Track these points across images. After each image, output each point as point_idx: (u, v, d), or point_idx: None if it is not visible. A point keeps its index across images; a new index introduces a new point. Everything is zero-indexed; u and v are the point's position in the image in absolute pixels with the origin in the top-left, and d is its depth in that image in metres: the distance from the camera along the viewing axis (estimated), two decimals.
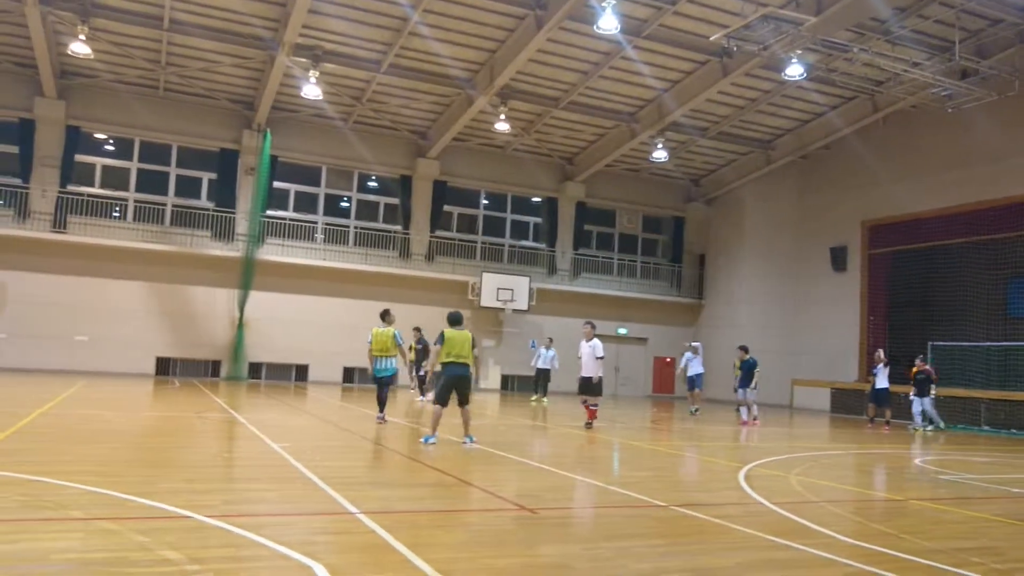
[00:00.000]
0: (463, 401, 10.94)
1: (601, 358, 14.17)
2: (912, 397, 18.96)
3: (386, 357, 12.87)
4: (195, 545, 4.78)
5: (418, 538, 5.22)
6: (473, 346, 10.92)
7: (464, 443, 10.54)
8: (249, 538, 4.95)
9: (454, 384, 10.76)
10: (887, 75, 22.14)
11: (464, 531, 5.80)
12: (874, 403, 19.82)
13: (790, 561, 5.21)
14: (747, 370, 18.01)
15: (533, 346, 26.86)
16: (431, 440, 10.39)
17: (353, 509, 6.01)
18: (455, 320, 11.06)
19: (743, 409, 18.03)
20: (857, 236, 27.70)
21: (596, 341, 14.25)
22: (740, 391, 18.05)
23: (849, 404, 25.83)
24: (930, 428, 19.25)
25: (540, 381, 23.69)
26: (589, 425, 14.29)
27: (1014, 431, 19.79)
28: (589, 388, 14.44)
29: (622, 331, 31.25)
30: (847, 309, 27.59)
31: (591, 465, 10.37)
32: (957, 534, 6.49)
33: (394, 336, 12.83)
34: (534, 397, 23.55)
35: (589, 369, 14.27)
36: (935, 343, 22.51)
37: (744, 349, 18.55)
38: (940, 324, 23.75)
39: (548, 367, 23.51)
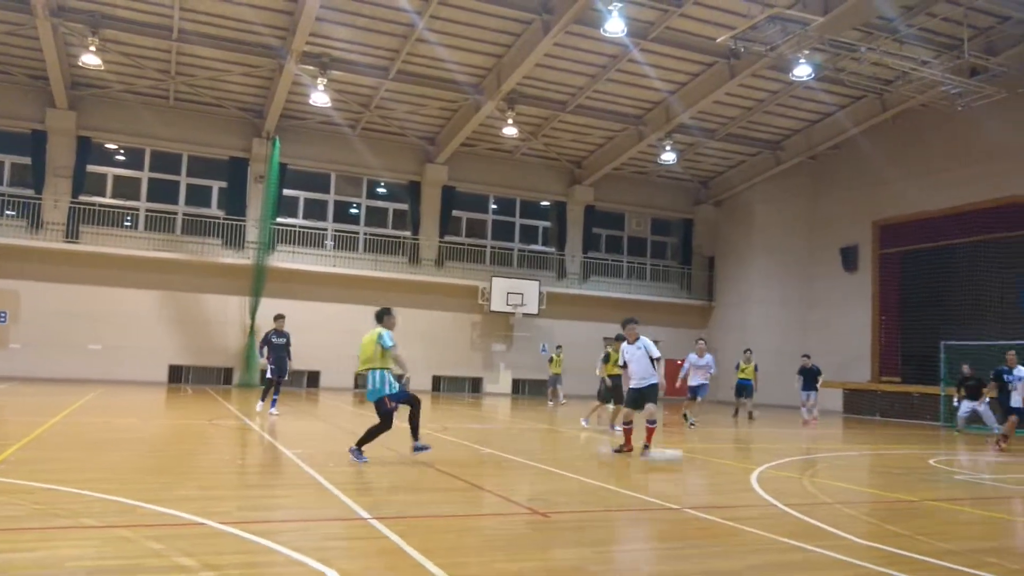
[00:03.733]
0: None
1: (658, 358, 10.93)
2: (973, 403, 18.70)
3: (374, 370, 9.06)
4: (209, 552, 4.80)
5: (431, 543, 5.23)
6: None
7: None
8: (263, 544, 4.97)
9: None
10: (895, 74, 22.08)
11: (477, 535, 5.81)
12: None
13: (804, 563, 5.19)
14: (811, 376, 19.82)
15: (544, 350, 26.84)
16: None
17: (366, 515, 6.02)
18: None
19: (804, 410, 19.78)
20: (868, 236, 27.62)
21: (644, 340, 11.12)
22: (804, 394, 19.79)
23: (862, 405, 25.73)
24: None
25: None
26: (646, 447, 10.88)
27: None
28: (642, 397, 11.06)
29: None
30: (859, 309, 27.49)
31: (603, 468, 10.35)
32: (972, 535, 6.45)
33: (378, 339, 9.09)
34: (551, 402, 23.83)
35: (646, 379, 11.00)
36: (948, 342, 22.36)
37: (807, 357, 20.37)
38: (953, 323, 23.60)
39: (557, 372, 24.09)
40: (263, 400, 15.33)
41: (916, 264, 26.22)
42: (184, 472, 8.22)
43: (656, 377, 10.78)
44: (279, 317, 15.39)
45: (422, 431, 9.57)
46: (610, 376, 14.23)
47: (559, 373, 24.23)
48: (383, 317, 9.66)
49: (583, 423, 15.67)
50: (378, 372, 9.07)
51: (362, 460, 8.89)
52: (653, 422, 10.79)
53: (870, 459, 12.91)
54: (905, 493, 8.52)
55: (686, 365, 17.59)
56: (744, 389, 19.82)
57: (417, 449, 9.40)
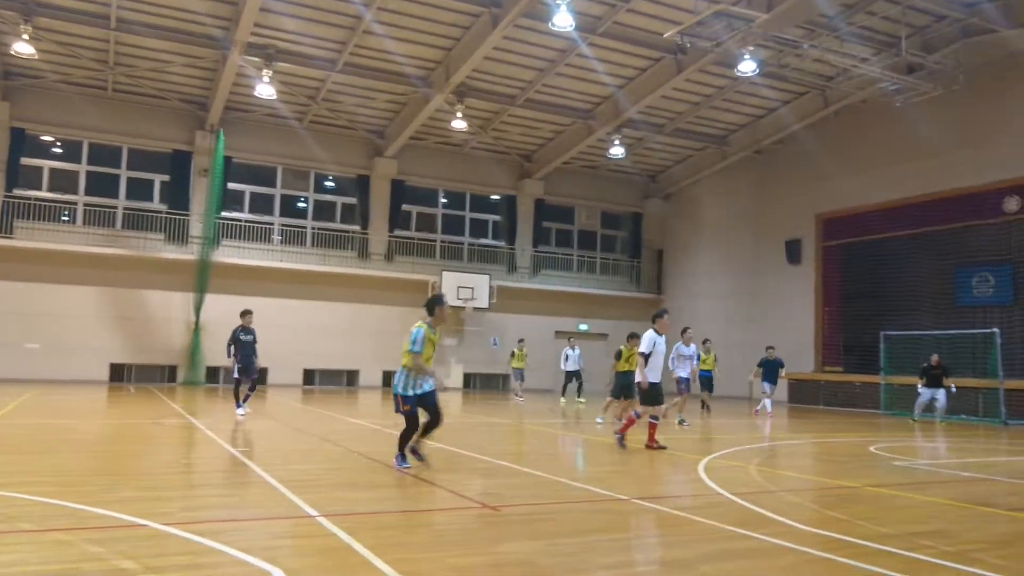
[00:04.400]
0: None
1: (643, 353, 10.90)
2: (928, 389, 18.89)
3: (401, 367, 8.34)
4: (151, 553, 4.70)
5: (380, 540, 5.19)
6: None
7: None
8: (207, 545, 4.88)
9: None
10: (837, 71, 22.62)
11: (427, 531, 5.79)
12: None
13: (749, 551, 5.29)
14: (773, 368, 19.33)
15: (495, 344, 26.88)
16: None
17: (313, 512, 5.95)
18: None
19: (767, 402, 19.41)
20: (811, 229, 28.26)
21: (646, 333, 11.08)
22: (765, 385, 19.38)
23: (806, 394, 26.35)
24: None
25: (570, 383, 22.59)
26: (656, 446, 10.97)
27: (963, 416, 20.33)
28: (642, 395, 11.08)
29: (583, 327, 31.42)
30: (803, 301, 28.13)
31: (553, 461, 10.41)
32: (910, 519, 6.65)
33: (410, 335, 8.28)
34: (580, 399, 22.20)
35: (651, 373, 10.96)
36: (887, 332, 23.05)
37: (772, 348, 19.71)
38: (892, 314, 24.34)
39: (577, 367, 22.22)
40: (240, 404, 14.35)
41: (857, 256, 26.94)
42: (126, 473, 8.02)
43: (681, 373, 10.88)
44: (247, 313, 14.57)
45: (428, 446, 8.81)
46: (619, 373, 14.18)
47: (521, 368, 24.06)
48: (434, 307, 8.48)
49: (598, 421, 15.55)
50: (401, 370, 8.27)
51: (404, 466, 8.17)
52: (656, 419, 11.10)
53: (814, 447, 13.23)
54: (846, 480, 8.75)
55: (672, 355, 15.91)
56: (706, 381, 18.87)
57: (418, 456, 8.49)
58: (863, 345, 25.44)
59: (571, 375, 22.38)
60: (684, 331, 15.98)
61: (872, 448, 12.71)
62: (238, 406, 14.34)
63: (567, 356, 22.43)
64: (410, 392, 8.20)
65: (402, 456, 8.29)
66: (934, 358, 19.06)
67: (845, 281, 27.50)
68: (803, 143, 27.96)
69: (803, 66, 21.96)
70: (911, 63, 21.85)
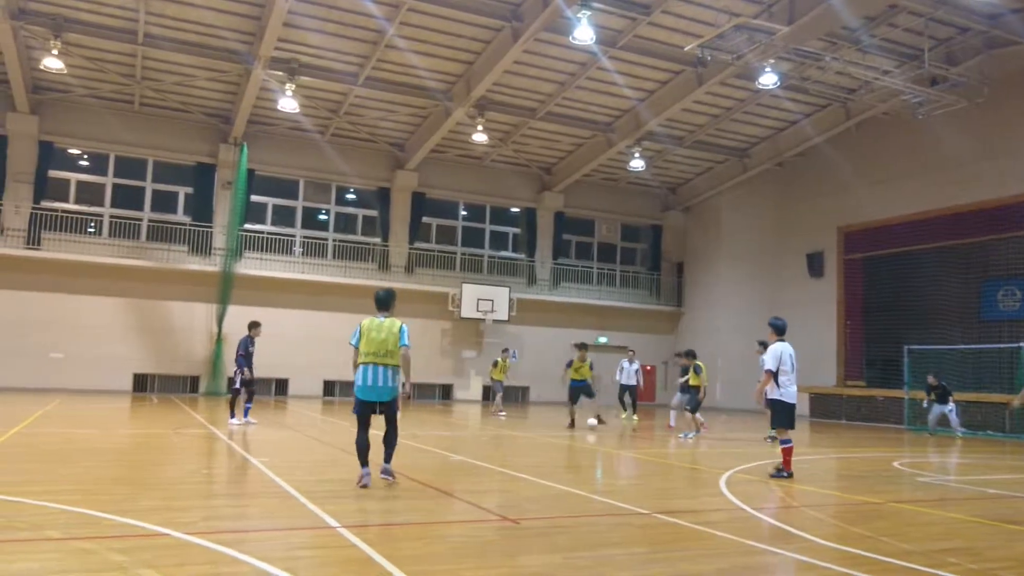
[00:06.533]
0: None
1: (768, 371, 9.74)
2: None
3: (391, 367, 8.02)
4: (174, 563, 4.74)
5: (399, 551, 5.20)
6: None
7: None
8: (229, 554, 4.92)
9: None
10: (858, 83, 22.49)
11: (445, 543, 5.79)
12: None
13: (770, 566, 5.25)
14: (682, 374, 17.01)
15: (515, 357, 26.80)
16: None
17: (334, 523, 5.98)
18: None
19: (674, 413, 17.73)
20: (833, 242, 28.06)
21: (772, 347, 9.95)
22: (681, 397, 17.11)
23: (827, 409, 26.08)
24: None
25: (624, 397, 20.96)
26: (777, 472, 9.76)
27: (989, 432, 20.04)
28: (772, 417, 10.32)
29: (602, 340, 31.34)
30: (824, 314, 27.89)
31: (573, 474, 10.38)
32: (934, 535, 6.56)
33: (400, 333, 8.14)
34: (624, 415, 20.83)
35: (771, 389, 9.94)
36: (911, 347, 22.78)
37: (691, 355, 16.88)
38: (915, 328, 24.06)
39: (633, 382, 20.64)
40: (245, 414, 14.62)
41: (880, 270, 26.69)
42: (149, 483, 8.09)
43: (774, 392, 9.71)
44: (257, 324, 14.83)
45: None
46: (496, 381, 15.08)
47: (501, 380, 22.54)
48: (391, 301, 8.35)
49: (683, 437, 15.44)
50: (392, 369, 7.95)
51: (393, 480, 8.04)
52: (786, 442, 9.74)
53: (835, 462, 13.09)
54: (869, 495, 8.65)
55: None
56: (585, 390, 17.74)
57: (390, 474, 8.13)
58: (886, 359, 25.15)
59: (625, 389, 20.81)
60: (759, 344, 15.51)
61: (895, 463, 12.56)
62: (245, 415, 14.54)
63: (623, 368, 20.83)
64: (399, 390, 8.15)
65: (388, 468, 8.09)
66: (930, 378, 19.15)
67: (868, 294, 27.25)
68: (825, 155, 27.81)
69: (825, 79, 21.87)
70: (934, 75, 21.69)
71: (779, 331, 9.95)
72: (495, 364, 22.89)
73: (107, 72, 23.48)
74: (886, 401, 24.05)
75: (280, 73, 22.60)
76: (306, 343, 26.27)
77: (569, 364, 17.31)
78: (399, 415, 8.18)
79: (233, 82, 24.28)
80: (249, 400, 14.79)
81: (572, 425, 17.23)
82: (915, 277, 25.13)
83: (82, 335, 24.27)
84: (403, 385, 8.14)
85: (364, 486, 7.65)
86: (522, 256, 31.35)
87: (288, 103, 23.28)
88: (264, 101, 24.71)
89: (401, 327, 8.13)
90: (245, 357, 14.52)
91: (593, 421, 17.31)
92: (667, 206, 33.71)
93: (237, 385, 14.61)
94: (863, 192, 26.73)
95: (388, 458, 8.09)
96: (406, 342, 8.05)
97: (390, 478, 7.98)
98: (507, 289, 29.24)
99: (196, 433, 13.35)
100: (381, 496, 7.57)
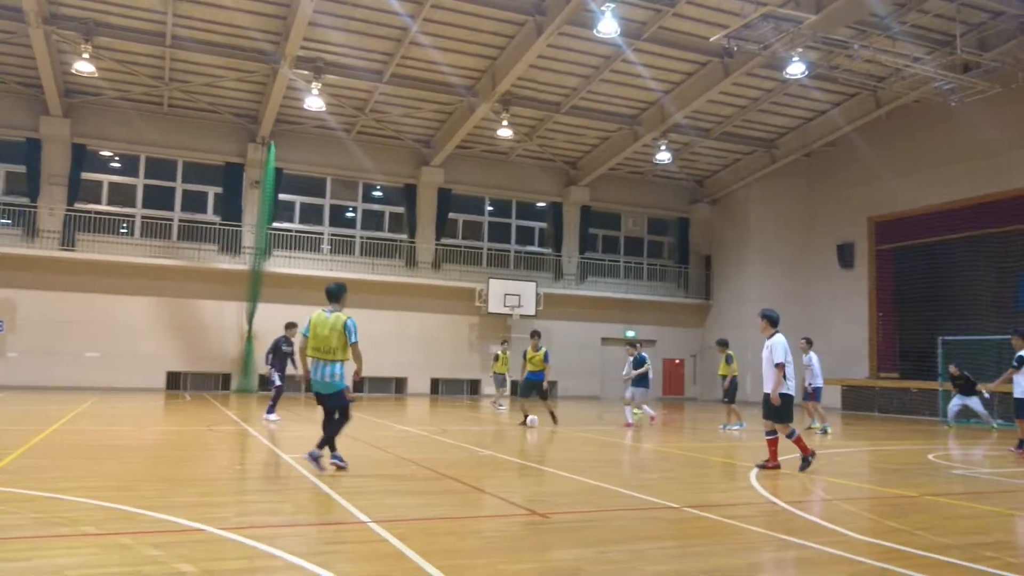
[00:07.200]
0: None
1: (779, 364, 9.46)
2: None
3: (335, 363, 8.39)
4: (209, 557, 4.80)
5: (430, 546, 5.23)
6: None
7: None
8: (262, 549, 4.97)
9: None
10: (889, 71, 22.14)
11: (476, 537, 5.81)
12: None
13: (803, 560, 5.20)
14: (635, 365, 16.52)
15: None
16: None
17: (364, 518, 6.02)
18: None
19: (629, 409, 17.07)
20: (864, 232, 27.69)
21: (775, 339, 9.69)
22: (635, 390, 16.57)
23: (860, 401, 25.78)
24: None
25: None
26: (770, 466, 9.75)
27: None
28: (768, 410, 9.75)
29: (630, 334, 31.21)
30: (856, 306, 27.55)
31: (602, 468, 10.35)
32: (971, 529, 6.46)
33: (344, 330, 8.37)
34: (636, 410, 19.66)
35: (766, 383, 9.70)
36: (945, 338, 22.42)
37: (633, 344, 16.69)
38: (950, 318, 23.68)
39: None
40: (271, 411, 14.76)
41: (912, 260, 26.29)
42: (183, 478, 8.21)
43: (776, 386, 9.46)
44: (293, 325, 14.74)
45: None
46: (498, 374, 14.34)
47: (504, 373, 21.78)
48: (341, 295, 8.51)
49: (724, 428, 15.50)
50: (338, 364, 8.29)
51: (342, 463, 8.40)
52: (772, 434, 9.72)
53: (869, 455, 12.93)
54: (904, 488, 8.53)
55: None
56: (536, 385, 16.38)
57: (316, 459, 8.28)
58: (920, 350, 24.79)
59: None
60: (801, 340, 16.10)
61: (930, 456, 12.38)
62: (270, 412, 14.76)
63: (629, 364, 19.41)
64: (345, 383, 8.46)
65: (317, 454, 8.31)
66: (952, 369, 18.98)
67: (899, 285, 26.85)
68: (854, 145, 27.42)
69: (854, 67, 21.55)
70: (966, 61, 21.28)
71: (774, 322, 9.83)
72: (496, 358, 22.15)
73: (137, 75, 23.80)
74: (920, 393, 23.71)
75: (306, 72, 22.76)
76: None
77: (496, 358, 15.62)
78: (350, 408, 8.56)
79: (260, 82, 24.49)
80: (275, 399, 14.96)
81: (525, 422, 15.59)
82: (949, 267, 24.72)
83: (116, 334, 24.68)
84: (355, 373, 8.47)
85: (322, 468, 8.18)
86: (548, 251, 31.31)
87: (314, 102, 23.43)
88: (290, 100, 24.90)
89: (346, 323, 8.27)
90: (275, 356, 14.67)
91: (534, 419, 15.62)
92: (694, 199, 33.46)
93: (278, 383, 14.78)
94: (894, 182, 26.33)
95: (320, 443, 8.34)
96: (355, 339, 8.28)
97: (313, 464, 8.21)
98: (534, 284, 29.24)
99: (229, 430, 13.51)
100: (411, 491, 7.62)
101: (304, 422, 14.92)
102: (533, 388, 16.07)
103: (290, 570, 4.58)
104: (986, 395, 18.31)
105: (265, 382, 25.84)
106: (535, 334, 16.50)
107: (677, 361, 32.71)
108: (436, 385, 28.81)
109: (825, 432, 15.76)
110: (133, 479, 8.04)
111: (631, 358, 17.37)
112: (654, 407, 20.70)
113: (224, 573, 4.48)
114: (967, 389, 18.91)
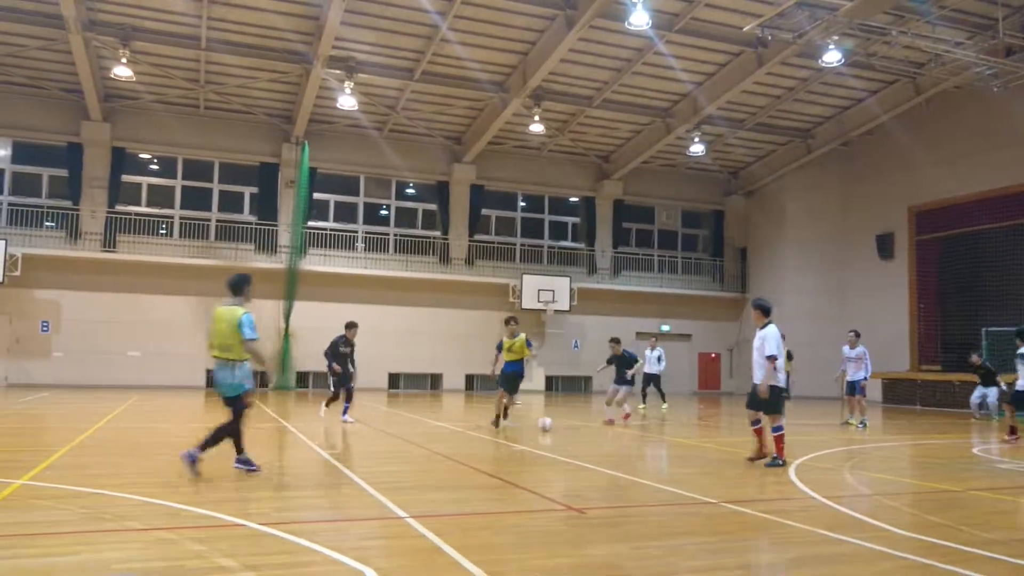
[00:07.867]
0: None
1: (771, 356, 9.20)
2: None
3: (236, 362, 8.06)
4: (250, 552, 4.88)
5: (467, 541, 5.25)
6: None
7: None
8: (302, 544, 5.04)
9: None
10: (928, 57, 21.69)
11: (513, 533, 5.82)
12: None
13: (844, 556, 5.13)
14: (626, 364, 15.68)
15: (576, 347, 26.76)
16: None
17: (402, 513, 6.07)
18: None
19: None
20: (904, 222, 27.18)
21: (768, 330, 9.35)
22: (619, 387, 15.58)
23: (902, 394, 25.33)
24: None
25: (649, 387, 19.99)
26: (772, 460, 9.36)
27: None
28: (756, 400, 9.63)
29: (665, 328, 31.02)
30: (896, 297, 27.07)
31: (638, 464, 10.32)
32: (1017, 524, 6.33)
33: (239, 327, 7.93)
34: (642, 406, 19.44)
35: (756, 374, 9.53)
36: (989, 328, 21.92)
37: (617, 341, 15.92)
38: (994, 309, 23.17)
39: (655, 370, 19.80)
40: (344, 414, 14.23)
41: (954, 250, 25.75)
42: (224, 475, 8.33)
43: (769, 378, 9.22)
44: (353, 325, 14.47)
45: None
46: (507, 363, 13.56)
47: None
48: (243, 287, 7.88)
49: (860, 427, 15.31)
50: (238, 364, 7.78)
51: (252, 467, 7.90)
52: (777, 429, 9.38)
53: (911, 449, 12.71)
54: (947, 483, 8.38)
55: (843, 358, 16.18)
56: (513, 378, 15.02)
57: (244, 464, 8.03)
58: (962, 342, 24.28)
59: (649, 378, 19.86)
60: (849, 332, 16.55)
61: (975, 450, 12.13)
62: (343, 413, 14.29)
63: (645, 356, 19.61)
64: (248, 385, 7.81)
65: (196, 454, 7.61)
66: (974, 358, 18.66)
67: (941, 276, 26.32)
68: (893, 133, 26.90)
69: (892, 54, 21.14)
70: (1009, 45, 20.76)
71: (767, 312, 9.55)
72: (509, 349, 21.27)
73: (173, 78, 24.18)
74: (963, 385, 23.20)
75: (338, 72, 22.94)
76: (371, 337, 26.38)
77: (499, 347, 14.13)
78: (244, 413, 7.90)
79: (293, 83, 24.75)
80: (348, 399, 14.33)
81: (499, 421, 14.04)
82: (991, 256, 24.16)
83: (157, 334, 25.14)
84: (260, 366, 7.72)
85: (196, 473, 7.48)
86: (582, 245, 31.21)
87: (347, 101, 23.62)
88: (323, 100, 25.13)
89: (240, 318, 7.57)
90: (333, 355, 14.25)
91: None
92: (728, 191, 33.12)
93: (349, 384, 14.33)
94: (934, 170, 25.79)
95: (202, 445, 7.55)
96: (250, 335, 7.57)
97: (187, 460, 7.47)
98: (567, 279, 29.18)
99: (268, 427, 13.70)
100: (447, 486, 7.66)
101: (338, 417, 15.03)
102: (510, 380, 14.00)
103: (329, 565, 4.63)
104: (1004, 387, 17.93)
105: (303, 380, 26.35)
106: (510, 320, 14.55)
107: (713, 355, 32.43)
108: (471, 381, 28.90)
109: (864, 426, 15.54)
110: (175, 475, 8.17)
111: (651, 350, 18.59)
112: (689, 402, 20.53)
113: (265, 568, 4.54)
114: (988, 379, 18.52)
